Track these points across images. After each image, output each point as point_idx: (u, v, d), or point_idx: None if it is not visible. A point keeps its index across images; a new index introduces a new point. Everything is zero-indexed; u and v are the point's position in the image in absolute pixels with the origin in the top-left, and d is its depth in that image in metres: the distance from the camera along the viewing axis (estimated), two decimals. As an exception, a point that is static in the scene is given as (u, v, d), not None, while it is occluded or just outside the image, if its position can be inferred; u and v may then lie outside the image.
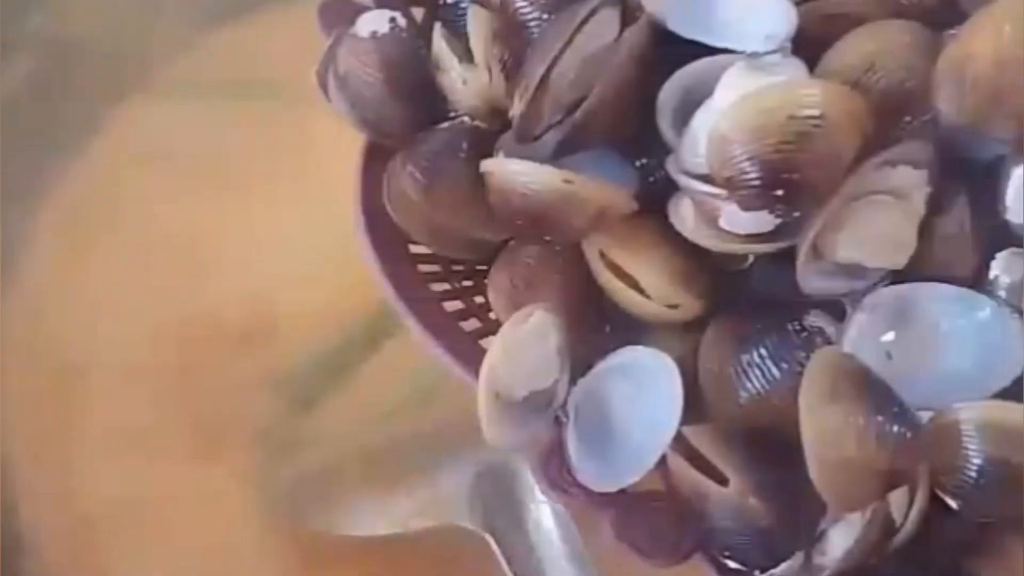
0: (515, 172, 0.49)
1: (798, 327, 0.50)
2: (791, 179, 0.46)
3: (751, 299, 0.52)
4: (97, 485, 0.76)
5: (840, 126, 0.46)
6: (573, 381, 0.51)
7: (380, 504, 0.71)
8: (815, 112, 0.46)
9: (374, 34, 0.54)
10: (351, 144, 0.61)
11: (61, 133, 0.85)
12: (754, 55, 0.49)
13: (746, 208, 0.47)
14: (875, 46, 0.50)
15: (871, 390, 0.45)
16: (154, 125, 0.85)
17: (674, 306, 0.51)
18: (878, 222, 0.48)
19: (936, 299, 0.49)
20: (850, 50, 0.50)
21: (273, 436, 0.76)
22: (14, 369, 0.80)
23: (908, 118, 0.49)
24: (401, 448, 0.72)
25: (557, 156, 0.51)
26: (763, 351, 0.50)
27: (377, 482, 0.72)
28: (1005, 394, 0.48)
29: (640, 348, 0.50)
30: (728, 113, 0.47)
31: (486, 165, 0.50)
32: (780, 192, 0.46)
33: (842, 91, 0.47)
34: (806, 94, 0.46)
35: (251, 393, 0.76)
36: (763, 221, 0.48)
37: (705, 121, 0.48)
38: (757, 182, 0.46)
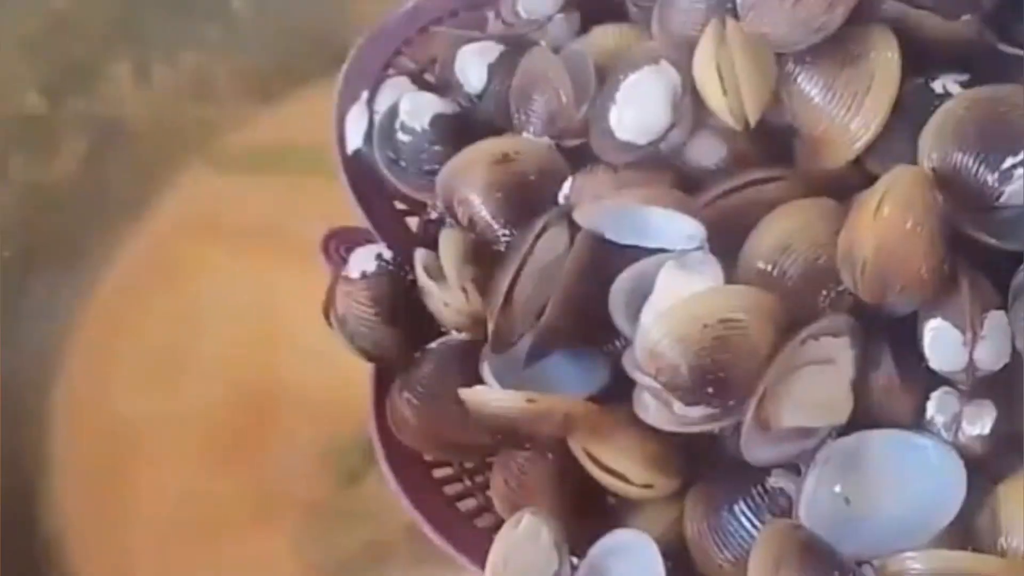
0: (485, 400, 0.56)
1: (761, 490, 0.55)
2: (717, 378, 0.52)
3: (724, 464, 0.57)
4: (151, 549, 0.78)
5: (752, 323, 0.52)
6: (576, 563, 0.57)
7: None
8: (726, 317, 0.51)
9: (363, 274, 0.61)
10: None
11: (116, 207, 0.88)
12: (682, 253, 0.55)
13: (686, 404, 0.53)
14: (788, 227, 0.55)
15: (813, 558, 0.51)
16: (206, 195, 0.88)
17: (650, 486, 0.57)
18: (813, 389, 0.53)
19: (881, 444, 0.54)
20: (766, 235, 0.55)
21: (322, 508, 0.78)
22: (71, 434, 0.82)
23: (825, 291, 0.54)
24: None
25: (531, 362, 0.58)
26: (734, 516, 0.55)
27: (425, 559, 0.74)
28: (952, 526, 0.53)
29: (622, 530, 0.56)
30: (655, 326, 0.53)
31: (462, 394, 0.57)
32: (710, 389, 0.52)
33: (748, 293, 0.52)
34: (717, 303, 0.52)
35: (302, 464, 0.78)
36: (709, 408, 0.54)
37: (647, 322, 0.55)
38: (688, 384, 0.52)
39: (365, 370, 0.65)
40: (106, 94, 0.92)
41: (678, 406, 0.55)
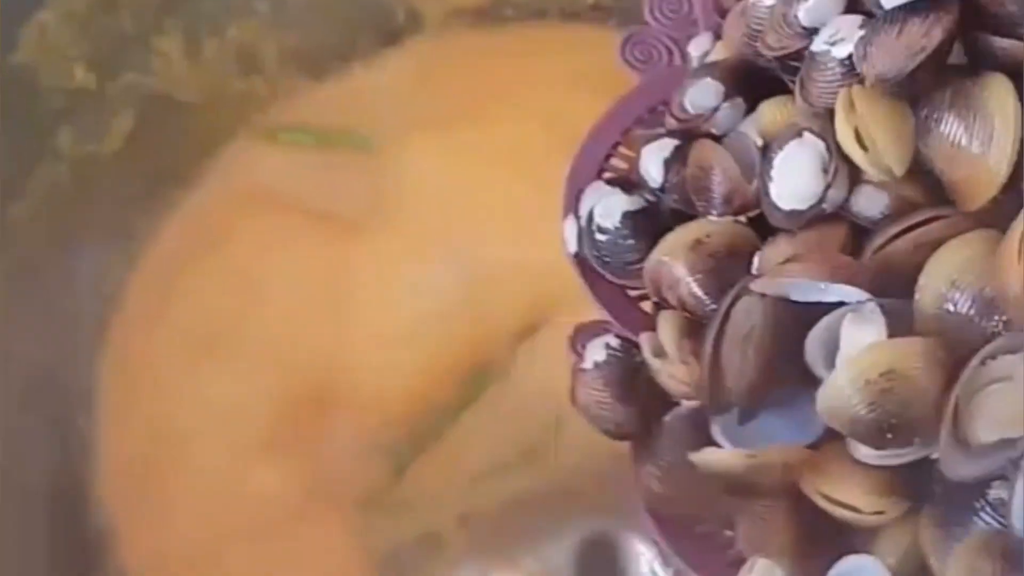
0: (710, 460, 0.62)
1: (984, 503, 0.59)
2: (891, 425, 0.57)
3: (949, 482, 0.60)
4: (200, 540, 0.79)
5: (915, 370, 0.56)
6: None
7: (484, 574, 0.76)
8: (886, 370, 0.57)
9: (595, 363, 0.69)
10: (435, 198, 0.73)
11: (165, 181, 0.89)
12: (857, 304, 0.60)
13: (875, 449, 0.58)
14: (953, 264, 0.59)
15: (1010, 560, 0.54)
16: (255, 170, 0.89)
17: (881, 512, 0.61)
18: (1001, 404, 0.57)
19: (1082, 442, 0.57)
20: (934, 272, 0.59)
21: (373, 500, 0.78)
22: (118, 418, 0.83)
23: (996, 317, 0.58)
24: (501, 514, 0.77)
25: (744, 421, 0.64)
26: (965, 531, 0.59)
27: (480, 550, 0.77)
28: None
29: (852, 556, 0.61)
30: (826, 389, 0.58)
31: (691, 457, 0.63)
32: (890, 435, 0.57)
33: (905, 344, 0.57)
34: (877, 358, 0.57)
35: (353, 455, 0.79)
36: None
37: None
38: (868, 435, 0.57)
39: (419, 351, 0.71)
40: (156, 68, 0.92)
41: (877, 446, 0.59)
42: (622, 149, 0.76)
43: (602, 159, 0.76)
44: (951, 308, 0.58)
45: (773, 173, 0.62)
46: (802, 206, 0.62)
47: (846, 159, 0.61)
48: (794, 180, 0.61)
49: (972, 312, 0.58)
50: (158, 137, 0.91)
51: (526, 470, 0.75)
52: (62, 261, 0.87)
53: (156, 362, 0.84)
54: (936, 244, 0.60)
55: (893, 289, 0.60)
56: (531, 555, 0.73)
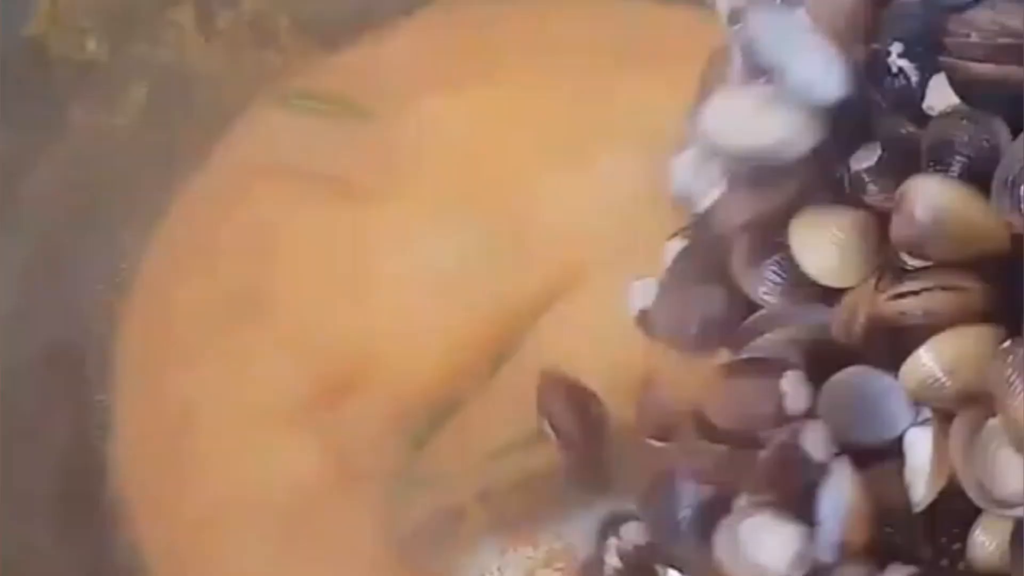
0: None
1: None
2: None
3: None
4: (219, 516, 0.77)
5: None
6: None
7: (505, 553, 0.74)
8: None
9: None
10: (452, 162, 0.76)
11: (178, 154, 0.87)
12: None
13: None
14: (951, 352, 0.61)
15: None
16: (268, 140, 0.88)
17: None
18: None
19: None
20: (932, 354, 0.61)
21: (393, 475, 0.77)
22: (131, 404, 0.81)
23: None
24: (520, 491, 0.75)
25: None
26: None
27: (499, 526, 0.75)
28: None
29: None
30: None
31: None
32: None
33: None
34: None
35: (373, 430, 0.77)
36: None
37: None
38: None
39: (438, 325, 0.70)
40: (168, 40, 0.90)
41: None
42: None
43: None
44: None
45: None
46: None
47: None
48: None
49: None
50: (171, 109, 0.89)
51: (544, 447, 0.73)
52: (76, 235, 0.85)
53: (173, 337, 0.82)
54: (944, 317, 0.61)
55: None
56: (550, 532, 0.73)
